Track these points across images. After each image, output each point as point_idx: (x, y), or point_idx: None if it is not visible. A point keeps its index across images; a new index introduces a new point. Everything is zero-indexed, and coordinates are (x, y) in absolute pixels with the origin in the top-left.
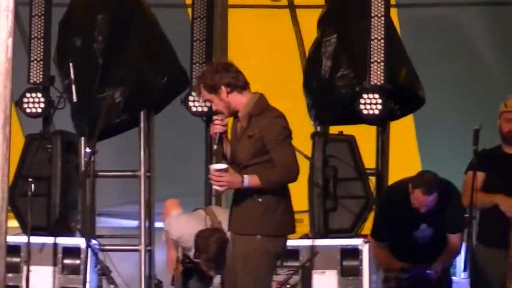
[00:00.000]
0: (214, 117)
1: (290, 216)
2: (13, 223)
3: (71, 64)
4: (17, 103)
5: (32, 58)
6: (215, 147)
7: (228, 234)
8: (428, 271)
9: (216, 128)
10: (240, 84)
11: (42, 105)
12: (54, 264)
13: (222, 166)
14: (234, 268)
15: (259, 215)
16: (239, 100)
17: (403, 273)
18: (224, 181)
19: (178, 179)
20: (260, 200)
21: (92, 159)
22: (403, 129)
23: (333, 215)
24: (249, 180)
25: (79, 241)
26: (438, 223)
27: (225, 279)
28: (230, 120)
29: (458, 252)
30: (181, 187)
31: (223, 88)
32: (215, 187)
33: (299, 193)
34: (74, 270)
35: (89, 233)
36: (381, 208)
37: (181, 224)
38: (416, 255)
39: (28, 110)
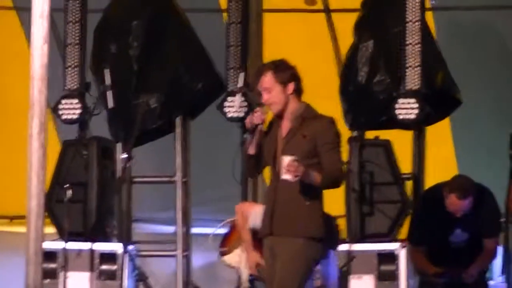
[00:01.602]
0: (257, 108)
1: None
2: (50, 229)
3: (107, 71)
4: (53, 109)
5: (67, 65)
6: (245, 136)
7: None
8: (463, 275)
9: (256, 119)
10: (300, 90)
11: (78, 111)
12: (91, 269)
13: (293, 157)
14: (274, 270)
15: (304, 218)
16: (293, 103)
17: (439, 278)
18: (299, 171)
19: (211, 184)
20: (307, 203)
21: (128, 164)
22: (439, 133)
23: (369, 219)
24: (314, 175)
25: (116, 247)
26: (473, 227)
27: (266, 283)
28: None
29: (494, 257)
30: (215, 192)
31: (292, 84)
32: (286, 176)
33: (335, 198)
34: (111, 275)
35: (126, 238)
36: (417, 212)
37: None
38: (451, 259)
39: (64, 117)
